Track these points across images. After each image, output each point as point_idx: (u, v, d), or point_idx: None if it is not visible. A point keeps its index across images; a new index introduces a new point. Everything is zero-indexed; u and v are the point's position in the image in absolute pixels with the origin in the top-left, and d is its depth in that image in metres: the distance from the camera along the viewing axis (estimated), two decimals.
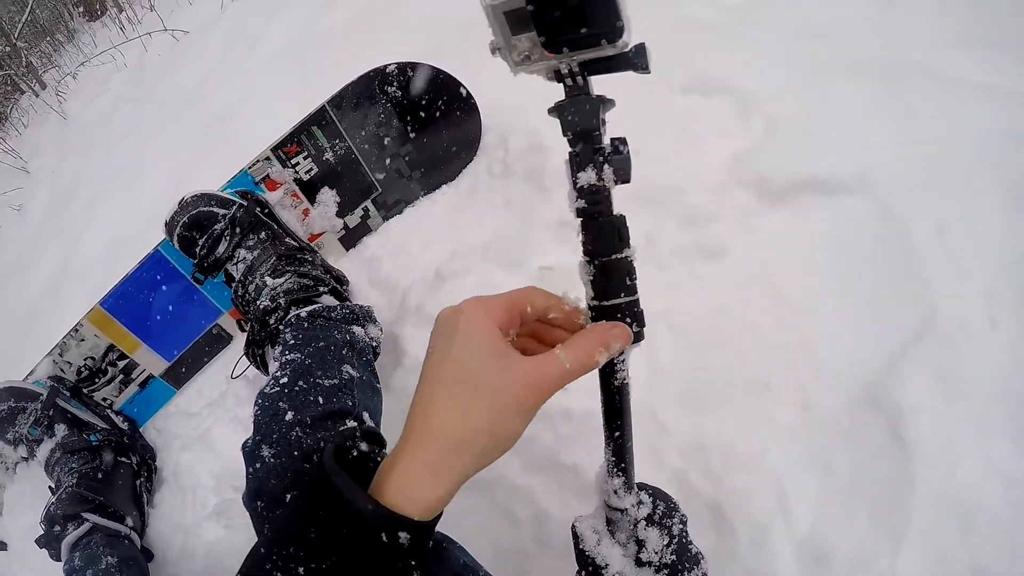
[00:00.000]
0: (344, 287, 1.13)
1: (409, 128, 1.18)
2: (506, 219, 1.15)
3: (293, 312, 0.96)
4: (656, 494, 0.58)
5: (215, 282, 1.14)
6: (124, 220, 1.87)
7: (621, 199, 1.04)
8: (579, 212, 0.46)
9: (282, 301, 0.97)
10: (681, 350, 0.92)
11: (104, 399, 1.29)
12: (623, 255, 0.47)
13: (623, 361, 0.50)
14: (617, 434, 0.54)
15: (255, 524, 0.73)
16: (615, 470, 0.55)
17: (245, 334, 1.04)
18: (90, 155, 2.40)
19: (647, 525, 0.56)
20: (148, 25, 3.02)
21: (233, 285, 1.08)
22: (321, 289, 1.03)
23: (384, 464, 0.47)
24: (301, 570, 0.44)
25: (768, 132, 1.04)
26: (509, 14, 0.41)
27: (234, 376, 1.15)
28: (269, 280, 1.02)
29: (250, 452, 0.76)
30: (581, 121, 0.44)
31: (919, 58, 1.08)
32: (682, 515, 0.58)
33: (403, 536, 0.43)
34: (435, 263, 1.13)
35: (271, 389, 0.81)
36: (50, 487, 1.19)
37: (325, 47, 1.84)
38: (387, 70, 1.14)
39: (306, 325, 0.92)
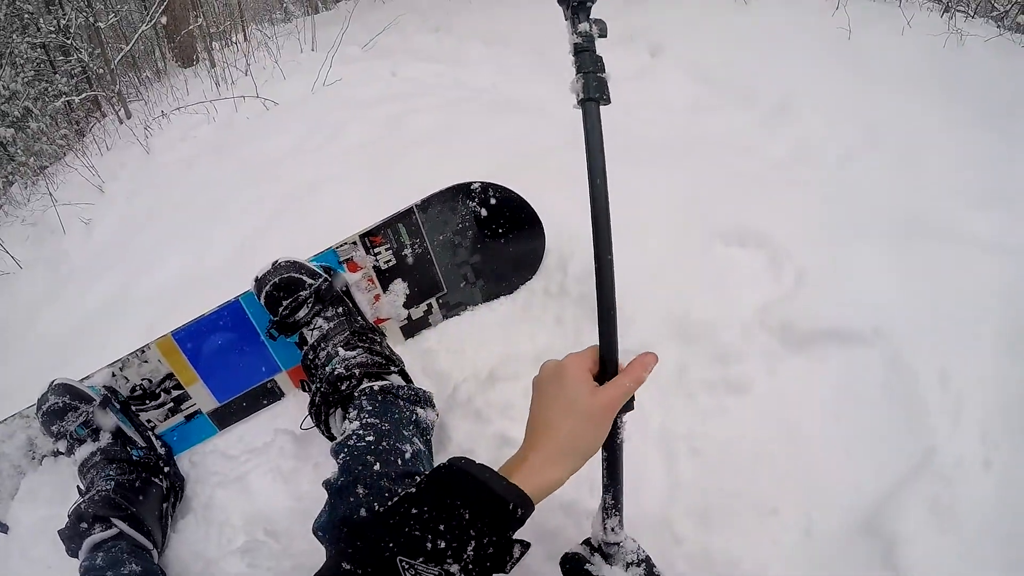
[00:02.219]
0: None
1: (480, 240, 1.33)
2: (557, 336, 1.27)
3: (366, 384, 1.08)
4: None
5: (285, 342, 1.27)
6: (190, 264, 1.97)
7: (662, 333, 1.17)
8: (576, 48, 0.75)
9: (356, 372, 1.10)
10: (700, 471, 1.04)
11: (148, 420, 1.35)
12: None
13: (623, 425, 0.76)
14: (616, 481, 0.78)
15: (333, 546, 0.86)
16: (612, 511, 0.79)
17: (308, 394, 1.15)
18: (169, 193, 2.55)
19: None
20: (242, 88, 3.27)
21: (304, 349, 1.21)
22: (392, 368, 1.15)
23: (509, 463, 0.70)
24: (438, 526, 0.62)
25: (796, 284, 1.19)
26: None
27: (304, 428, 1.24)
28: (342, 351, 1.15)
29: (341, 488, 0.89)
30: None
31: (936, 216, 1.24)
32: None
33: (520, 512, 0.64)
34: (488, 365, 1.25)
35: (359, 443, 0.94)
36: (79, 487, 1.23)
37: (401, 151, 2.01)
38: (471, 186, 1.30)
39: (379, 398, 1.04)
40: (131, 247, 2.36)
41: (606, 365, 0.75)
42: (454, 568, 0.61)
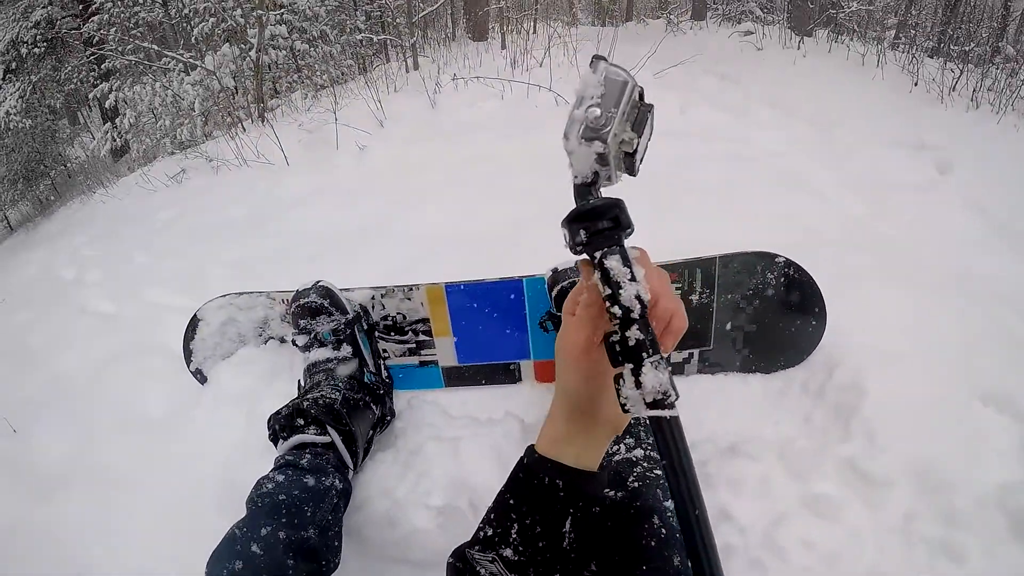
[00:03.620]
0: None
1: (763, 312, 1.29)
2: (802, 434, 1.21)
3: None
4: None
5: (546, 337, 1.28)
6: (448, 222, 2.05)
7: (902, 474, 1.07)
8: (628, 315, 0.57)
9: None
10: None
11: (384, 350, 1.40)
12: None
13: None
14: None
15: None
16: None
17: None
18: (445, 151, 2.68)
19: None
20: (536, 77, 3.40)
21: None
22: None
23: None
24: (491, 515, 0.68)
25: None
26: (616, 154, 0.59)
27: None
28: None
29: (620, 503, 0.89)
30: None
31: None
32: None
33: (549, 479, 0.64)
34: (729, 436, 1.21)
35: (647, 472, 0.93)
36: (299, 383, 1.27)
37: (683, 192, 2.01)
38: (776, 258, 1.26)
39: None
40: (397, 185, 2.50)
41: None
42: (507, 552, 0.64)
